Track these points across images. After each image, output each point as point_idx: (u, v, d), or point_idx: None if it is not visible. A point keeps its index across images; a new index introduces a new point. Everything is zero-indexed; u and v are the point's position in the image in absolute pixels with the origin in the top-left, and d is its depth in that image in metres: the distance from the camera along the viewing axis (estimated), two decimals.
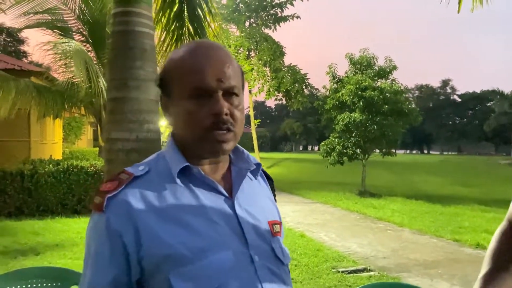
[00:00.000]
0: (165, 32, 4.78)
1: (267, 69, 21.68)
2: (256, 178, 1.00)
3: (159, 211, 0.82)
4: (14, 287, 1.91)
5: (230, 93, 0.86)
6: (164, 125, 10.49)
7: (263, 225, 0.91)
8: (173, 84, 0.87)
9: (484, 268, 1.01)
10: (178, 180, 0.86)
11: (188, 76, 0.85)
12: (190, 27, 4.75)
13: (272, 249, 0.90)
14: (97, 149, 14.47)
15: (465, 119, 65.80)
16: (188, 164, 0.87)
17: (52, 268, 2.12)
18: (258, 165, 0.98)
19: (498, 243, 1.05)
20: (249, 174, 0.96)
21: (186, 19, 4.69)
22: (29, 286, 1.93)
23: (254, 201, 0.93)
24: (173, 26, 4.73)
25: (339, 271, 4.89)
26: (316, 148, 74.56)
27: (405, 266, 5.29)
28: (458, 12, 3.34)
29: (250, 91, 21.60)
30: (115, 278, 0.81)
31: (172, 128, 0.93)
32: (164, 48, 4.83)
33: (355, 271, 4.97)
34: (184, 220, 0.82)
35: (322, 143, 13.04)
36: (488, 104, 59.91)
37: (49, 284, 1.95)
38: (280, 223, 0.97)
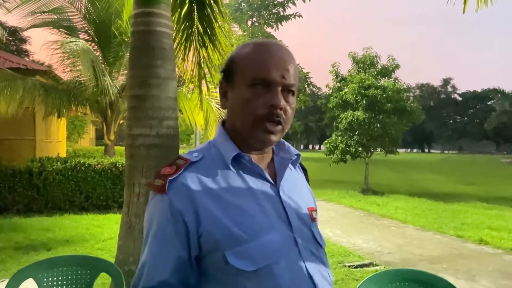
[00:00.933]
0: (174, 32, 4.85)
1: None
2: (295, 168, 1.09)
3: (215, 194, 0.90)
4: (46, 274, 2.00)
5: (288, 91, 0.94)
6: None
7: (303, 211, 0.99)
8: (237, 72, 0.95)
9: None
10: (231, 167, 0.94)
11: (254, 65, 0.92)
12: (200, 27, 4.83)
13: (312, 233, 0.99)
14: (101, 147, 14.54)
15: (466, 118, 65.84)
16: (240, 152, 0.95)
17: (82, 257, 2.22)
18: (298, 155, 1.07)
19: None
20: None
21: (195, 19, 4.77)
22: (60, 273, 2.02)
23: (295, 189, 1.02)
24: (182, 26, 4.81)
25: (345, 266, 5.00)
26: (317, 147, 74.67)
27: (410, 261, 5.39)
28: (464, 12, 3.42)
29: None
30: (179, 254, 0.89)
31: (226, 115, 1.01)
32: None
33: (361, 266, 5.08)
34: (238, 203, 0.90)
35: (326, 141, 13.14)
36: (489, 103, 59.97)
37: (79, 272, 2.04)
38: (316, 210, 1.06)
